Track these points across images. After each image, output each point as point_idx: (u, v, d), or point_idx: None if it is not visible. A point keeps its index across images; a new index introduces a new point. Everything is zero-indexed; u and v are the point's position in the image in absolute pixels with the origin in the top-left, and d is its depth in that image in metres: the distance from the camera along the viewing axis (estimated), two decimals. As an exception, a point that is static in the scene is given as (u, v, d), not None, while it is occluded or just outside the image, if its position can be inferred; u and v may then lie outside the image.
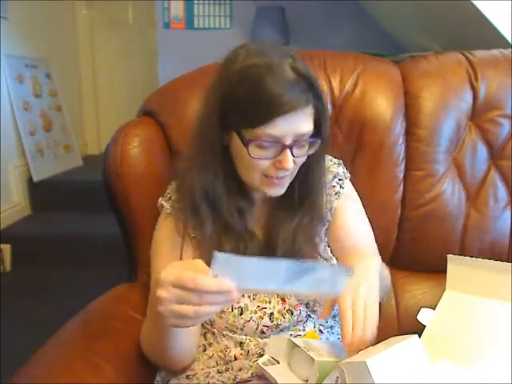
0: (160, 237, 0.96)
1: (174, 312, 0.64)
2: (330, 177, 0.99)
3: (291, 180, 0.90)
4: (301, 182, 0.92)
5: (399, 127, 1.16)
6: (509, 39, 1.96)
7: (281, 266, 0.68)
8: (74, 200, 3.22)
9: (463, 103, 1.17)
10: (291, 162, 0.83)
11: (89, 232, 2.96)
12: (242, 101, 0.81)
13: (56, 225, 3.09)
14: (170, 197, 0.96)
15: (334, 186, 0.98)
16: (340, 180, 0.99)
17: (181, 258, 0.91)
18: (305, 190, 0.92)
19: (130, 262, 1.17)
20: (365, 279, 0.78)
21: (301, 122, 0.82)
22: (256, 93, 0.79)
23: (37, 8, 3.49)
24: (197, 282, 0.62)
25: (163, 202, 0.96)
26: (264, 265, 0.68)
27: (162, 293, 0.64)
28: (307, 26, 3.49)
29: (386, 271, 1.01)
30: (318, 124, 0.85)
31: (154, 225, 1.00)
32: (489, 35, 2.02)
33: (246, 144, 0.82)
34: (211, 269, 0.62)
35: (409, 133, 1.17)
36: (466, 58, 1.21)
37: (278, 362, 0.82)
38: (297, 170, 0.89)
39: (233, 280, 0.63)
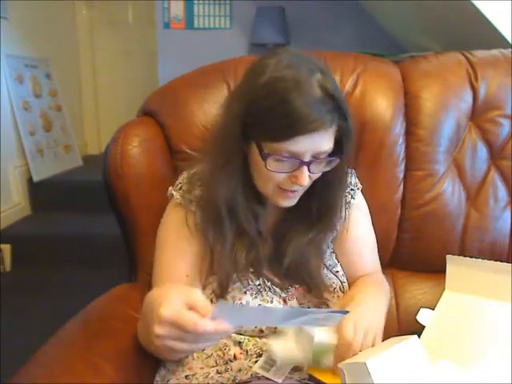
0: (168, 226, 0.97)
1: (170, 347, 0.66)
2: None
3: (303, 191, 0.90)
4: (321, 198, 0.92)
5: (399, 127, 1.16)
6: (509, 39, 1.96)
7: (279, 311, 0.74)
8: (74, 200, 3.22)
9: (463, 103, 1.17)
10: (307, 178, 0.83)
11: (89, 232, 2.96)
12: (266, 115, 0.80)
13: (56, 225, 3.09)
14: (181, 187, 0.97)
15: (346, 196, 0.99)
16: (352, 190, 1.00)
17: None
18: (324, 207, 0.93)
19: (130, 262, 1.17)
20: (369, 311, 0.84)
21: (322, 141, 0.81)
22: (281, 109, 0.78)
23: (37, 8, 3.49)
24: (197, 326, 0.63)
25: (173, 192, 0.97)
26: (263, 310, 0.74)
27: (160, 330, 0.65)
28: (307, 26, 3.49)
29: (387, 287, 1.03)
30: (339, 142, 0.85)
31: (154, 224, 1.00)
32: (489, 35, 2.02)
33: (264, 157, 0.82)
34: (211, 312, 0.64)
35: (409, 133, 1.17)
36: (466, 58, 1.20)
37: (274, 365, 0.83)
38: (310, 183, 0.88)
39: (231, 321, 0.65)
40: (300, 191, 0.88)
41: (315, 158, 0.83)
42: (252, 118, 0.82)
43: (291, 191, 0.87)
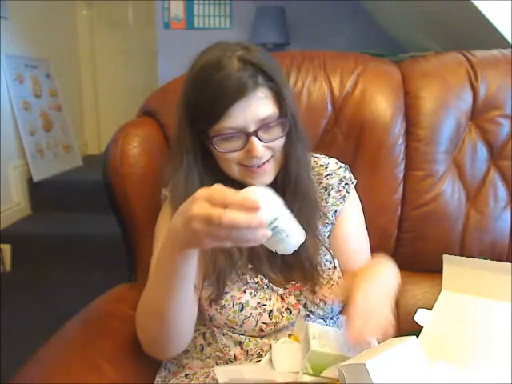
0: (162, 225, 0.96)
1: (206, 230, 0.62)
2: (337, 180, 0.99)
3: (276, 167, 0.89)
4: (282, 169, 0.91)
5: (399, 127, 1.16)
6: (509, 39, 1.96)
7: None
8: (74, 200, 3.22)
9: (463, 103, 1.17)
10: (260, 149, 0.83)
11: (89, 232, 2.96)
12: (199, 102, 0.84)
13: (56, 225, 3.09)
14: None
15: (341, 190, 0.98)
16: (346, 184, 1.00)
17: None
18: (286, 177, 0.92)
19: (130, 261, 1.17)
20: (377, 283, 0.82)
21: (257, 107, 0.82)
22: (208, 90, 0.82)
23: (37, 8, 3.49)
24: (224, 196, 0.61)
25: (166, 193, 0.97)
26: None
27: (196, 209, 0.63)
28: (307, 26, 3.49)
29: (395, 270, 0.98)
30: (281, 105, 0.86)
31: (154, 225, 1.00)
32: (489, 35, 2.02)
33: (211, 142, 0.84)
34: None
35: (409, 133, 1.17)
36: (466, 58, 1.20)
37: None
38: (279, 155, 0.88)
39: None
40: (269, 166, 0.87)
41: (262, 126, 0.83)
42: (192, 112, 0.86)
43: (257, 167, 0.86)
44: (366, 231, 1.04)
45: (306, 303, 0.92)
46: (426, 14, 2.55)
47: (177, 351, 0.90)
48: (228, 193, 0.62)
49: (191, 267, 0.74)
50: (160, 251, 0.77)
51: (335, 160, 1.02)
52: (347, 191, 0.99)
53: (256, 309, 0.90)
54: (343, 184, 0.99)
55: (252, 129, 0.83)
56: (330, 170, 1.00)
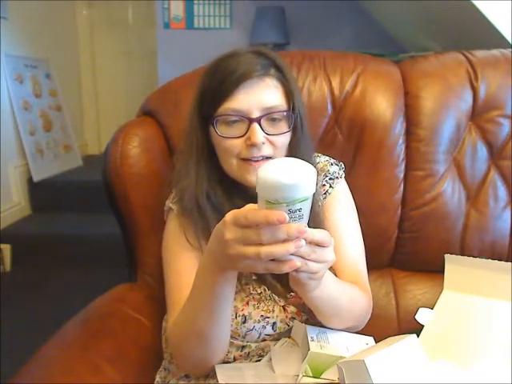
0: (170, 237, 0.94)
1: (243, 254, 0.61)
2: (322, 176, 0.97)
3: None
4: None
5: (399, 127, 1.16)
6: (509, 39, 1.96)
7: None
8: (74, 200, 3.22)
9: (463, 103, 1.17)
10: (259, 136, 0.82)
11: (89, 232, 2.96)
12: (207, 88, 0.86)
13: (56, 225, 3.09)
14: (178, 199, 0.94)
15: (324, 185, 0.97)
16: (331, 179, 0.98)
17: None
18: None
19: (130, 261, 1.17)
20: None
21: (262, 92, 0.83)
22: (216, 75, 0.84)
23: (37, 8, 3.49)
24: (247, 216, 0.60)
25: (171, 205, 0.94)
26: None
27: (227, 234, 0.62)
28: (307, 26, 3.50)
29: (362, 300, 0.90)
30: (290, 100, 0.86)
31: (153, 224, 1.00)
32: (489, 35, 2.02)
33: (213, 124, 0.84)
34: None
35: (409, 133, 1.17)
36: (466, 57, 1.20)
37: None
38: (281, 155, 0.86)
39: None
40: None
41: (265, 114, 0.82)
42: (201, 97, 0.87)
43: (255, 161, 0.84)
44: (354, 226, 0.99)
45: (304, 310, 0.91)
46: (426, 13, 2.55)
47: (214, 364, 0.86)
48: (250, 214, 0.60)
49: (233, 288, 0.74)
50: (198, 278, 0.75)
51: (327, 157, 1.01)
52: (331, 186, 0.97)
53: (259, 322, 0.88)
54: (327, 179, 0.97)
55: (255, 115, 0.82)
56: (318, 167, 0.98)
